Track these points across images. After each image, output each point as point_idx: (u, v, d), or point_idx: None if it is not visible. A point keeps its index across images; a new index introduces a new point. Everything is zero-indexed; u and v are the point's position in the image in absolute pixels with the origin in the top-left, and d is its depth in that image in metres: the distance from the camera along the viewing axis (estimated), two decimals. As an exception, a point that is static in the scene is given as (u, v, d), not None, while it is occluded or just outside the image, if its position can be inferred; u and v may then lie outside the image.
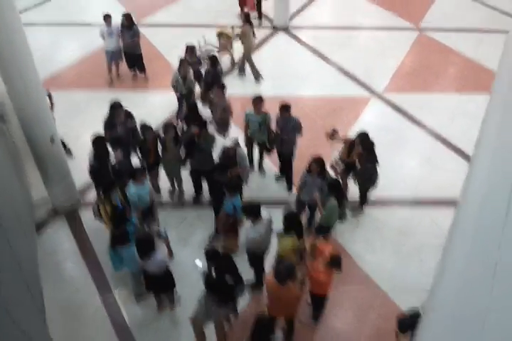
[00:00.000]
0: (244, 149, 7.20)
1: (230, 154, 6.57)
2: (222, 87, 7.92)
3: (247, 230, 5.71)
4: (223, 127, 8.03)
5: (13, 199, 5.67)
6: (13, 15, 5.54)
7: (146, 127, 6.95)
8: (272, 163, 8.25)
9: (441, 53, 11.75)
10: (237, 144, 6.60)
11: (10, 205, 5.26)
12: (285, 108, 7.12)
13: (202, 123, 6.97)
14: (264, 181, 7.99)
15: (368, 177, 6.90)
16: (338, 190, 6.04)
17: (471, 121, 9.04)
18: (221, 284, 4.79)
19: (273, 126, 7.44)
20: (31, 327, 3.54)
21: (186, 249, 6.72)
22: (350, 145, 7.02)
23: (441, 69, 11.19)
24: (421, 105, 9.87)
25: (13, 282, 4.14)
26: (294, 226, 5.53)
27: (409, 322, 4.99)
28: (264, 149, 7.73)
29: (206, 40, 10.91)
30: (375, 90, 10.36)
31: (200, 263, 5.17)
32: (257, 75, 10.43)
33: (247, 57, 10.34)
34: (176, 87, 8.57)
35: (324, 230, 6.29)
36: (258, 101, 7.23)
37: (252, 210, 5.48)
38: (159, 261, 5.18)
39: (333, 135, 7.10)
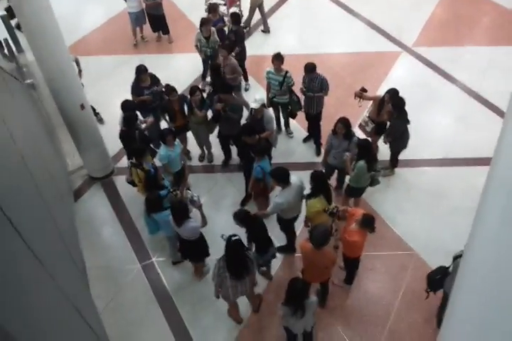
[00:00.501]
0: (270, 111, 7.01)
1: (256, 117, 6.40)
2: (231, 45, 7.86)
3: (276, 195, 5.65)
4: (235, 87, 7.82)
5: (49, 165, 5.70)
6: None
7: (170, 88, 6.84)
8: (299, 124, 8.05)
9: (474, 3, 10.92)
10: (263, 106, 6.41)
11: (46, 172, 5.30)
12: (310, 67, 6.85)
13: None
14: (291, 144, 7.84)
15: (398, 137, 6.66)
16: (367, 151, 5.85)
17: (506, 76, 8.53)
18: (242, 257, 4.78)
19: (299, 85, 7.17)
20: (75, 293, 3.64)
21: (219, 213, 6.73)
22: (379, 103, 6.74)
23: (474, 20, 10.44)
24: (453, 59, 9.32)
25: (55, 247, 4.24)
26: (321, 188, 5.42)
27: (438, 280, 4.97)
28: (287, 111, 7.52)
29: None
30: (405, 44, 9.80)
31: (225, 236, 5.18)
32: (265, 27, 10.19)
33: (253, 8, 9.97)
34: (199, 48, 8.34)
35: (354, 192, 6.26)
36: (277, 58, 6.95)
37: (280, 175, 5.37)
38: (193, 227, 5.19)
39: (361, 93, 6.80)
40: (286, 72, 7.03)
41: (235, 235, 4.75)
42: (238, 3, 10.51)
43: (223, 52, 7.46)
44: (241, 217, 5.08)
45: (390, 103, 6.50)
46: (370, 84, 8.37)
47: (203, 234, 5.53)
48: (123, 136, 6.54)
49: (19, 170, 3.50)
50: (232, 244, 4.70)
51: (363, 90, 6.82)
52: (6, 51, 7.48)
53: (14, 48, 7.56)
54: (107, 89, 8.90)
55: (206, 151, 7.58)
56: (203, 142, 7.39)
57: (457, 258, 4.79)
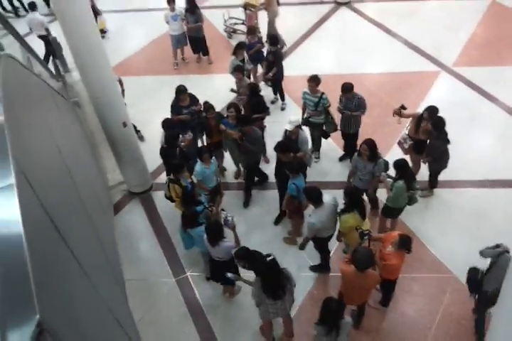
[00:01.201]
0: (306, 132, 7.07)
1: (291, 138, 6.48)
2: (269, 66, 8.25)
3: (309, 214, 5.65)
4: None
5: (92, 180, 5.91)
6: (83, 6, 5.67)
7: (208, 106, 7.02)
8: (335, 143, 8.08)
9: (517, 22, 10.82)
10: (298, 127, 6.48)
11: (89, 186, 5.49)
12: (347, 86, 6.89)
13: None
14: (327, 163, 7.88)
15: (438, 157, 6.55)
16: (404, 170, 5.78)
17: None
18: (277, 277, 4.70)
19: (335, 104, 7.23)
20: (116, 305, 3.74)
21: (253, 231, 6.79)
22: (417, 120, 6.68)
23: (516, 40, 10.32)
24: (494, 79, 9.17)
25: (98, 259, 4.37)
26: (355, 203, 5.39)
27: (479, 281, 4.98)
28: (321, 132, 7.57)
29: (230, 14, 10.76)
30: (445, 64, 9.74)
31: (231, 275, 5.14)
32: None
33: (272, 25, 10.13)
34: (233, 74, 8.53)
35: (391, 212, 6.18)
36: (312, 80, 7.04)
37: (312, 194, 5.37)
38: (227, 246, 5.22)
39: (400, 111, 6.75)
40: (322, 93, 7.10)
41: (268, 255, 4.68)
42: (256, 21, 10.75)
43: (237, 74, 7.65)
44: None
45: (430, 122, 6.43)
46: (409, 103, 8.25)
47: (233, 257, 5.51)
48: (163, 153, 6.72)
49: (66, 183, 3.66)
50: (267, 265, 4.62)
51: (402, 107, 6.78)
52: (53, 70, 7.83)
53: (61, 68, 7.95)
54: (148, 108, 9.20)
55: (242, 168, 7.69)
56: (238, 159, 7.50)
57: (499, 255, 4.77)
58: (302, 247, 5.89)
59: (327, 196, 5.50)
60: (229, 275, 5.11)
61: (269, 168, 7.40)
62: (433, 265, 6.17)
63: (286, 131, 6.61)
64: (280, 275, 4.72)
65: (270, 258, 4.64)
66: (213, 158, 6.49)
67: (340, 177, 7.50)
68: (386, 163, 6.18)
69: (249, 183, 7.23)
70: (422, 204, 6.83)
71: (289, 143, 6.32)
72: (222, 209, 5.90)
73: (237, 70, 7.73)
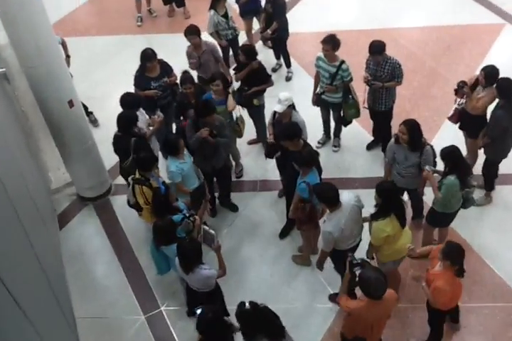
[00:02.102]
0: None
1: (281, 123, 6.58)
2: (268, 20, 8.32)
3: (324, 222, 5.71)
4: None
5: (28, 182, 5.91)
6: None
7: (186, 77, 7.04)
8: (360, 125, 8.13)
9: None
10: (291, 108, 6.56)
11: (25, 190, 5.51)
12: (377, 46, 6.89)
13: (208, 108, 6.57)
14: (351, 153, 7.95)
15: (498, 137, 6.46)
16: (456, 160, 5.80)
17: None
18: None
19: (359, 76, 7.27)
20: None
21: (248, 249, 6.85)
22: (472, 85, 6.71)
23: None
24: None
25: (38, 291, 4.38)
26: (392, 204, 5.43)
27: None
28: (340, 115, 7.64)
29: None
30: (510, 14, 9.80)
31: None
32: None
33: None
34: (216, 34, 8.54)
35: (440, 220, 6.23)
36: (328, 42, 7.02)
37: (324, 193, 5.43)
38: (206, 276, 5.26)
39: (463, 87, 6.66)
40: (342, 62, 7.11)
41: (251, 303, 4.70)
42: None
43: (193, 38, 7.59)
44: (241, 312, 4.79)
45: (495, 85, 6.39)
46: (462, 68, 8.40)
47: (219, 285, 5.60)
48: (115, 144, 6.72)
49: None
50: (257, 316, 4.65)
51: (464, 83, 6.69)
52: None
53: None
54: (103, 80, 9.19)
55: (233, 162, 7.75)
56: (228, 149, 7.48)
57: None
58: (319, 266, 5.95)
59: (346, 194, 5.56)
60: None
61: (270, 164, 7.48)
62: (497, 290, 6.21)
63: (274, 113, 6.69)
64: (276, 323, 4.74)
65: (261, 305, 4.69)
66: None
67: (368, 171, 7.58)
68: (433, 152, 6.18)
69: (224, 193, 7.35)
70: (479, 210, 6.92)
71: (296, 126, 6.36)
72: (205, 223, 5.94)
73: (194, 33, 7.67)
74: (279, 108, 6.48)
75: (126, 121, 6.57)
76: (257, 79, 7.41)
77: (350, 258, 5.06)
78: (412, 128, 5.98)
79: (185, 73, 7.18)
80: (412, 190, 6.51)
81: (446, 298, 5.22)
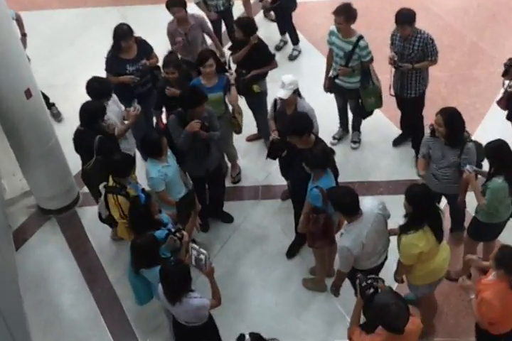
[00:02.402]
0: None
1: (285, 112, 6.56)
2: None
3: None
4: None
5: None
6: None
7: (170, 59, 7.02)
8: (385, 115, 8.10)
9: None
10: (295, 93, 6.51)
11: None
12: (405, 16, 6.84)
13: (197, 97, 6.50)
14: (374, 151, 7.93)
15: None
16: (504, 158, 5.71)
17: None
18: None
19: (384, 52, 7.19)
20: None
21: (249, 271, 6.83)
22: None
23: None
24: None
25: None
26: (425, 213, 5.36)
27: None
28: (358, 104, 7.60)
29: None
30: None
31: None
32: None
33: None
34: (204, 4, 8.49)
35: (485, 232, 6.17)
36: (341, 12, 6.98)
37: (341, 200, 5.37)
38: (196, 307, 5.18)
39: (510, 69, 6.61)
40: (360, 38, 7.08)
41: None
42: None
43: (177, 10, 7.52)
44: None
45: None
46: (510, 43, 8.32)
47: (213, 318, 5.53)
48: (76, 142, 6.66)
49: None
50: None
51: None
52: None
53: None
54: (68, 64, 9.15)
55: (228, 164, 7.74)
56: (223, 147, 7.50)
57: None
58: (336, 292, 5.90)
59: (369, 201, 5.55)
60: None
61: (274, 165, 7.37)
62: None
63: (275, 101, 6.69)
64: None
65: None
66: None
67: (396, 173, 7.54)
68: (478, 149, 6.07)
69: (217, 202, 7.35)
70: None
71: (306, 117, 6.30)
72: (194, 241, 5.87)
73: (178, 4, 7.59)
74: (283, 94, 6.41)
75: (89, 113, 6.51)
76: (257, 60, 7.37)
77: (359, 279, 4.98)
78: (451, 118, 5.89)
79: (169, 54, 7.14)
80: (451, 196, 6.43)
81: (494, 316, 5.07)
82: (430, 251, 5.41)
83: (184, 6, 7.56)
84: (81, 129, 6.56)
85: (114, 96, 6.99)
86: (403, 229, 5.43)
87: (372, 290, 4.84)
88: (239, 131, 7.41)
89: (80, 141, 6.58)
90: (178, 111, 6.56)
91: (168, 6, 7.56)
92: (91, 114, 6.51)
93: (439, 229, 5.44)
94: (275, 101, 6.73)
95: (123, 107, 7.08)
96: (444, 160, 6.12)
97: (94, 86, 6.73)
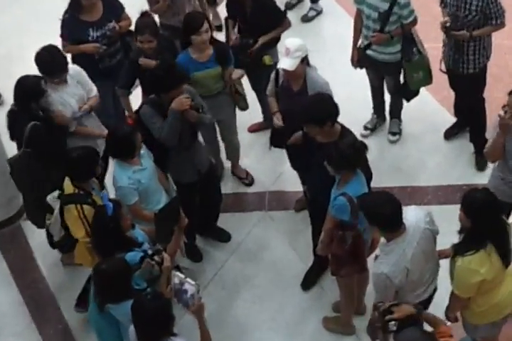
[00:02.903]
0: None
1: (290, 87, 6.66)
2: None
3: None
4: None
5: None
6: None
7: (144, 23, 7.06)
8: (436, 99, 8.16)
9: None
10: (303, 62, 6.55)
11: None
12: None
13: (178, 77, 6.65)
14: (418, 145, 8.00)
15: None
16: None
17: None
18: None
19: (431, 12, 7.27)
20: None
21: (250, 310, 6.88)
22: None
23: None
24: None
25: None
26: (489, 229, 5.34)
27: None
28: (398, 81, 7.68)
29: None
30: None
31: None
32: None
33: None
34: None
35: None
36: None
37: (378, 210, 5.31)
38: None
39: None
40: None
41: None
42: None
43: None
44: None
45: None
46: None
47: None
48: (9, 123, 6.73)
49: None
50: None
51: None
52: None
53: None
54: (10, 29, 9.27)
55: (226, 163, 7.86)
56: (225, 135, 7.67)
57: None
58: (373, 334, 5.79)
59: (412, 212, 5.52)
60: None
61: (285, 164, 7.49)
62: None
63: (277, 72, 6.77)
64: None
65: None
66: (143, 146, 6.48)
67: (448, 176, 7.60)
68: None
69: (211, 215, 7.44)
70: None
71: (329, 100, 6.36)
72: (177, 267, 5.89)
73: None
74: (288, 64, 6.47)
75: (23, 91, 6.58)
76: (265, 22, 7.43)
77: (381, 308, 5.00)
78: None
79: (143, 16, 7.15)
80: None
81: None
82: (494, 279, 5.38)
83: None
84: (14, 109, 6.66)
85: (78, 73, 6.99)
86: (459, 250, 5.40)
87: (395, 325, 4.84)
88: (246, 107, 7.51)
89: (12, 123, 6.66)
90: (151, 98, 6.62)
91: None
92: (24, 93, 6.57)
93: (507, 250, 5.42)
94: (277, 73, 6.79)
95: (91, 88, 7.08)
96: None
97: (44, 59, 6.74)
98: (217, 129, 7.60)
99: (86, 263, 6.25)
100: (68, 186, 6.16)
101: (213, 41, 7.06)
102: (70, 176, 6.19)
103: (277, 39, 7.56)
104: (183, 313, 5.57)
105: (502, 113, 5.86)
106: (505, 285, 5.48)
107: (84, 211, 6.04)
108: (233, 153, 7.76)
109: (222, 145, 7.81)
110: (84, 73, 7.03)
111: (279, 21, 7.53)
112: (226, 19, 7.76)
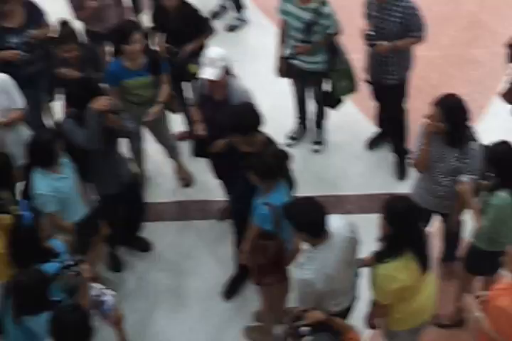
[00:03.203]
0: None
1: (211, 95, 6.67)
2: None
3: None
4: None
5: None
6: None
7: (66, 32, 7.03)
8: (359, 109, 8.25)
9: None
10: (226, 72, 6.61)
11: None
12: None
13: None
14: (341, 154, 8.04)
15: None
16: (509, 163, 5.80)
17: None
18: None
19: (354, 23, 7.31)
20: None
21: (169, 321, 6.85)
22: None
23: None
24: None
25: None
26: (408, 234, 5.39)
27: None
28: (321, 91, 7.72)
29: None
30: None
31: None
32: None
33: None
34: None
35: (484, 262, 6.26)
36: None
37: (303, 216, 5.33)
38: None
39: None
40: (322, 2, 7.18)
41: None
42: None
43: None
44: None
45: None
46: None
47: None
48: None
49: None
50: None
51: None
52: None
53: None
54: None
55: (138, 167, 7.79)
56: (161, 140, 7.66)
57: None
58: (283, 338, 5.79)
59: (336, 220, 5.53)
60: None
61: (208, 174, 7.44)
62: None
63: (199, 81, 6.78)
64: None
65: None
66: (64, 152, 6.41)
67: (370, 185, 7.68)
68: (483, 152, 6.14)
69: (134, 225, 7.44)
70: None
71: (252, 110, 6.37)
72: (97, 278, 5.83)
73: None
74: (211, 73, 6.47)
75: None
76: (189, 30, 7.43)
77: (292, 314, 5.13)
78: (453, 110, 5.97)
79: (65, 25, 7.09)
80: (446, 215, 6.55)
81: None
82: (413, 286, 5.43)
83: None
84: None
85: (3, 81, 6.85)
86: (379, 257, 5.43)
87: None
88: (177, 109, 7.52)
89: None
90: (72, 111, 6.59)
91: None
92: None
93: (424, 256, 5.48)
94: (198, 81, 6.78)
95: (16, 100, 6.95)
96: (442, 164, 6.20)
97: None
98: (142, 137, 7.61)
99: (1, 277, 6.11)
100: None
101: (146, 49, 7.04)
102: None
103: (202, 46, 7.52)
104: (101, 325, 5.49)
105: (427, 120, 6.00)
106: (423, 292, 5.53)
107: (2, 220, 5.91)
108: (172, 152, 7.76)
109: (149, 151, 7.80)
110: (11, 82, 6.88)
111: (202, 29, 7.55)
112: (152, 28, 7.71)
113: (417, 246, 5.43)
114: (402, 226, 5.33)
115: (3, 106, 6.80)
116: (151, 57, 7.04)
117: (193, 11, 7.55)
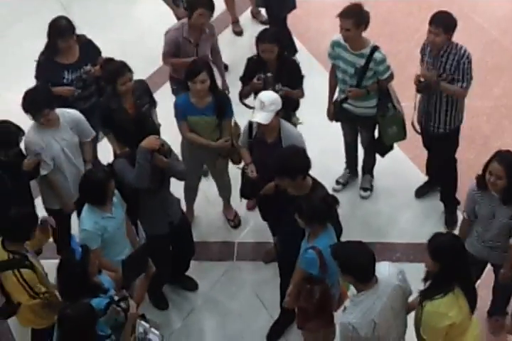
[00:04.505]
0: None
1: (265, 140, 6.73)
2: None
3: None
4: None
5: None
6: None
7: (118, 66, 7.07)
8: (408, 157, 8.23)
9: None
10: (278, 115, 6.62)
11: None
12: (444, 19, 6.92)
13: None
14: (390, 201, 8.03)
15: None
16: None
17: None
18: None
19: (408, 69, 7.33)
20: None
21: None
22: None
23: None
24: None
25: None
26: (457, 273, 5.33)
27: None
28: (373, 136, 7.74)
29: None
30: None
31: None
32: None
33: None
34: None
35: None
36: (348, 15, 7.07)
37: (353, 259, 5.28)
38: None
39: None
40: (374, 48, 7.20)
41: None
42: None
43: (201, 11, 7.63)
44: None
45: None
46: None
47: None
48: None
49: None
50: None
51: None
52: None
53: None
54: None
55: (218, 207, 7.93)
56: (218, 181, 7.75)
57: None
58: None
59: (386, 267, 5.49)
60: None
61: (255, 215, 7.49)
62: None
63: (250, 124, 6.83)
64: None
65: None
66: (116, 192, 6.44)
67: (419, 234, 7.48)
68: None
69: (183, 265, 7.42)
70: None
71: (302, 154, 6.40)
72: (143, 316, 5.88)
73: None
74: (263, 117, 6.50)
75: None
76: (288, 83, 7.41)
77: None
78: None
79: (112, 61, 7.18)
80: (499, 267, 6.39)
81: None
82: (462, 324, 5.30)
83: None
84: None
85: (73, 120, 6.96)
86: (427, 294, 5.33)
87: None
88: (239, 161, 7.44)
89: None
90: (125, 152, 6.64)
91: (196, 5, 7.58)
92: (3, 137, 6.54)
93: (472, 293, 5.40)
94: (250, 125, 6.83)
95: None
96: (493, 221, 6.10)
97: (29, 96, 6.68)
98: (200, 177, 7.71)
99: (34, 324, 6.19)
100: (1, 252, 6.01)
101: (215, 90, 7.09)
102: (7, 235, 6.07)
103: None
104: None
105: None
106: (470, 331, 5.41)
107: (23, 275, 5.90)
108: (225, 192, 7.79)
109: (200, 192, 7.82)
110: (83, 121, 7.02)
111: (299, 84, 7.52)
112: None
113: (465, 282, 5.35)
114: (449, 261, 5.25)
115: (68, 142, 6.92)
116: (218, 99, 7.06)
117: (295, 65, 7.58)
